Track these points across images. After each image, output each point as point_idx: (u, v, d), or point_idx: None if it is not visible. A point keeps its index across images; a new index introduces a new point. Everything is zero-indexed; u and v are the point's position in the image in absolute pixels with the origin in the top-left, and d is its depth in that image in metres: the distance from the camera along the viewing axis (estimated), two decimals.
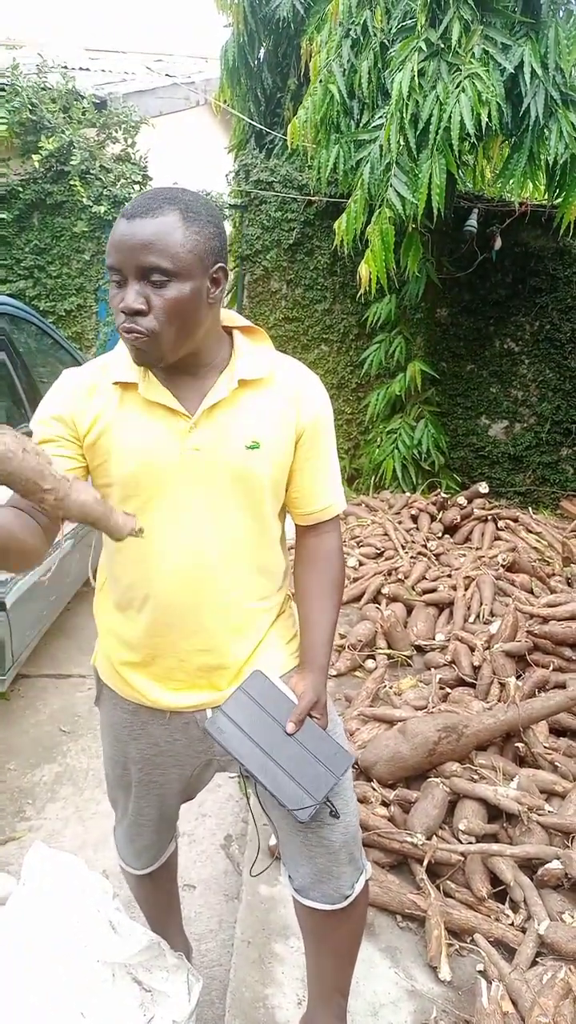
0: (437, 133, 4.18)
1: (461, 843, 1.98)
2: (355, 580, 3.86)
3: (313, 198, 5.81)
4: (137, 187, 5.99)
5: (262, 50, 6.65)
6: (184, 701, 1.31)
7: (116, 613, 1.33)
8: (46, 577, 2.77)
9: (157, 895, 1.75)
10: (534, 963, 1.71)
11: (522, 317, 6.07)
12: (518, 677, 2.72)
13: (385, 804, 2.13)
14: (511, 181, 4.85)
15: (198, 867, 2.21)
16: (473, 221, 5.65)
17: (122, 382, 1.20)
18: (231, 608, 1.27)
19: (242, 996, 1.65)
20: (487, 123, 4.10)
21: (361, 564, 4.09)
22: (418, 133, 4.28)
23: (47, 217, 5.91)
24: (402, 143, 4.31)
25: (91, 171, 5.78)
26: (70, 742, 2.80)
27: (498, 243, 5.63)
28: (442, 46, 4.18)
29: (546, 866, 1.88)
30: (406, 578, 3.84)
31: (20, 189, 5.82)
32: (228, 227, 6.18)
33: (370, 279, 4.62)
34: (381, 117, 4.59)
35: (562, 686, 2.68)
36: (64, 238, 5.93)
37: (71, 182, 5.72)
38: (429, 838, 1.97)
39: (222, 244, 1.16)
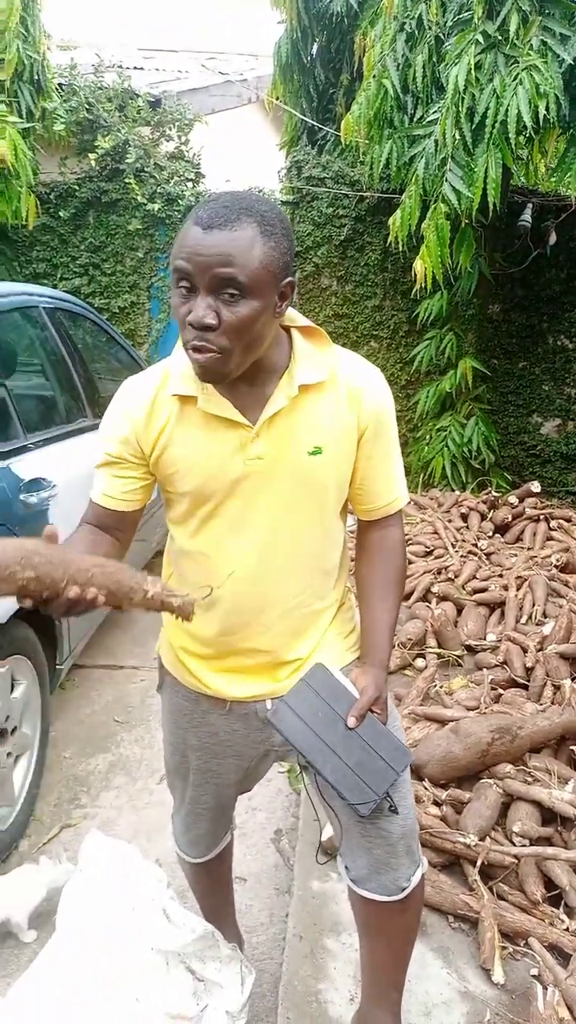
0: (493, 127, 4.13)
1: (515, 845, 1.96)
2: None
3: (365, 194, 5.78)
4: (190, 184, 6.04)
5: (315, 46, 6.63)
6: (245, 691, 1.34)
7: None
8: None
9: (212, 885, 1.78)
10: None
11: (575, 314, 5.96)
12: (573, 679, 2.68)
13: (437, 804, 2.12)
14: (567, 175, 4.76)
15: (248, 860, 2.23)
16: (527, 216, 5.56)
17: (181, 395, 1.20)
18: (296, 611, 1.29)
19: (295, 990, 1.66)
20: (545, 116, 4.03)
21: (410, 562, 4.06)
22: (474, 127, 4.23)
23: (102, 215, 6.00)
24: (458, 137, 4.27)
25: (145, 169, 5.85)
26: (123, 732, 2.84)
27: (553, 238, 5.53)
28: (499, 38, 4.12)
29: None
30: (456, 577, 3.80)
31: (76, 188, 5.92)
32: None
33: (425, 275, 4.58)
34: (436, 111, 4.54)
35: None
36: (118, 236, 6.01)
37: (126, 180, 5.79)
38: (482, 839, 1.95)
39: (292, 257, 1.15)
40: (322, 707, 1.24)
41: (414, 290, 4.99)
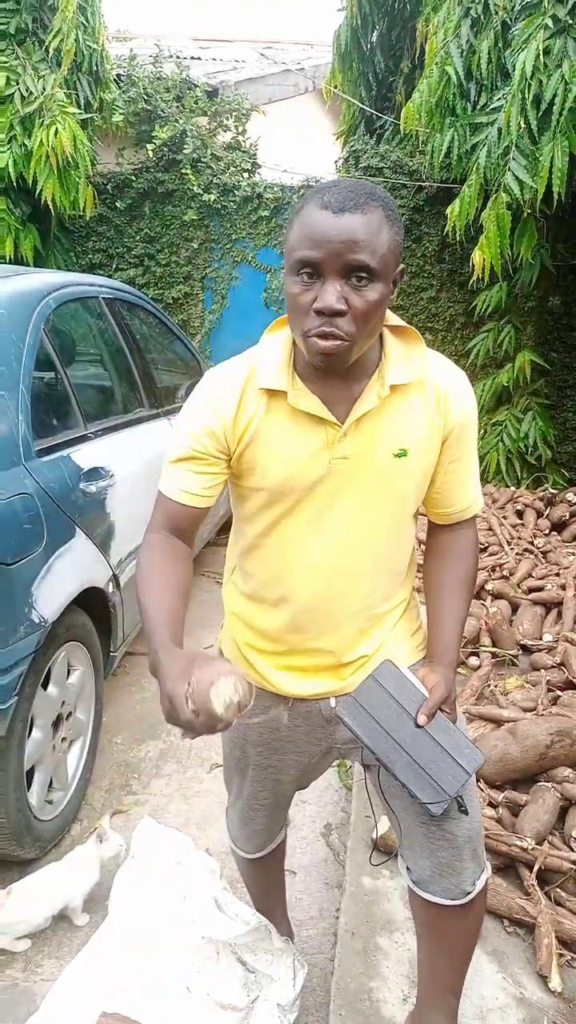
0: (561, 114, 4.01)
1: (573, 851, 1.91)
2: None
3: (424, 183, 5.69)
4: (246, 175, 6.03)
5: (375, 33, 6.54)
6: (308, 689, 1.32)
7: (248, 603, 1.34)
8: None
9: (266, 879, 1.77)
10: None
11: None
12: None
13: (492, 805, 2.08)
14: None
15: (299, 854, 2.22)
16: None
17: (270, 388, 1.17)
18: (365, 611, 1.28)
19: (347, 987, 1.64)
20: None
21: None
22: (540, 115, 4.12)
23: (157, 206, 6.03)
24: (523, 125, 4.16)
25: (202, 159, 5.85)
26: None
27: None
28: (570, 22, 4.00)
29: None
30: (511, 575, 3.73)
31: (133, 178, 5.96)
32: None
33: (484, 266, 4.49)
34: (500, 99, 4.44)
35: None
36: (173, 227, 6.03)
37: (183, 170, 5.81)
38: (539, 843, 1.91)
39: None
40: (391, 704, 1.22)
41: (471, 281, 4.89)
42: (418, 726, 1.21)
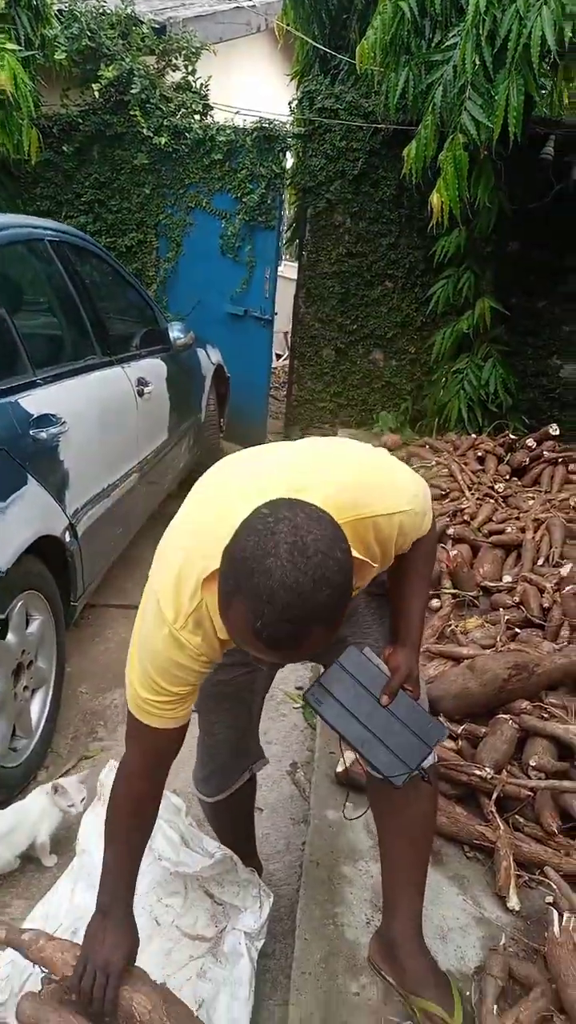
0: (516, 51, 3.94)
1: (531, 779, 1.96)
2: None
3: (380, 126, 5.57)
4: (198, 117, 5.83)
5: None
6: None
7: None
8: None
9: (231, 822, 1.81)
10: None
11: None
12: None
13: (453, 738, 2.12)
14: None
15: (264, 791, 2.25)
16: (550, 149, 5.35)
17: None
18: None
19: (312, 914, 1.68)
20: (570, 39, 3.84)
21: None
22: (495, 52, 4.04)
23: (107, 149, 5.81)
24: (477, 63, 4.08)
25: (151, 100, 5.64)
26: None
27: None
28: None
29: None
30: (472, 520, 3.77)
31: (80, 121, 5.73)
32: (290, 158, 6.00)
33: (443, 209, 4.43)
34: (455, 36, 4.34)
35: None
36: (124, 171, 5.84)
37: (131, 112, 5.59)
38: (498, 772, 1.96)
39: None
40: (357, 687, 1.29)
41: (430, 226, 4.83)
42: (382, 706, 1.29)
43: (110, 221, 5.95)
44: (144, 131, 5.63)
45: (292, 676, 2.75)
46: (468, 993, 1.52)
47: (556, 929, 1.53)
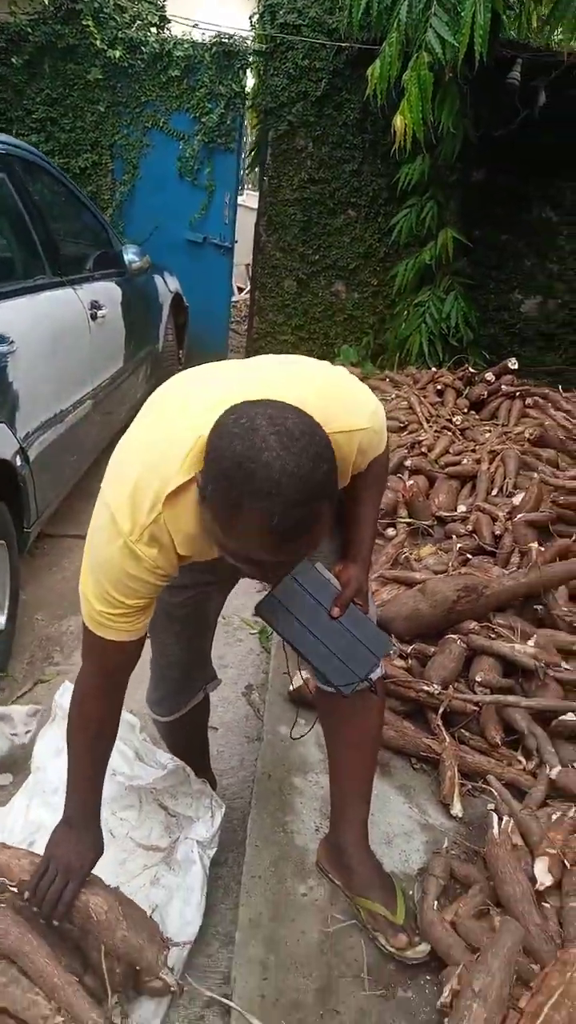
0: None
1: (477, 694, 2.02)
2: None
3: (344, 44, 5.37)
4: (154, 30, 5.56)
5: None
6: None
7: None
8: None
9: (186, 739, 1.84)
10: (544, 805, 1.77)
11: (563, 183, 5.71)
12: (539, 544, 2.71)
13: (403, 657, 2.17)
14: (560, 27, 4.45)
15: (220, 712, 2.29)
16: (516, 73, 5.20)
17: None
18: None
19: (263, 822, 1.74)
20: None
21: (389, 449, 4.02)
22: None
23: (58, 63, 5.53)
24: None
25: (104, 10, 5.35)
26: None
27: (542, 98, 5.21)
28: None
29: (560, 718, 1.93)
30: (429, 451, 3.79)
31: (29, 31, 5.42)
32: (251, 77, 5.78)
33: (406, 132, 4.32)
34: None
35: None
36: (77, 87, 5.57)
37: (83, 22, 5.31)
38: (445, 688, 2.02)
39: None
40: (308, 600, 1.31)
41: (393, 150, 4.71)
42: (332, 618, 1.31)
43: (63, 141, 5.70)
44: (97, 43, 5.36)
45: (249, 603, 2.78)
46: (411, 892, 1.59)
47: (495, 831, 1.60)
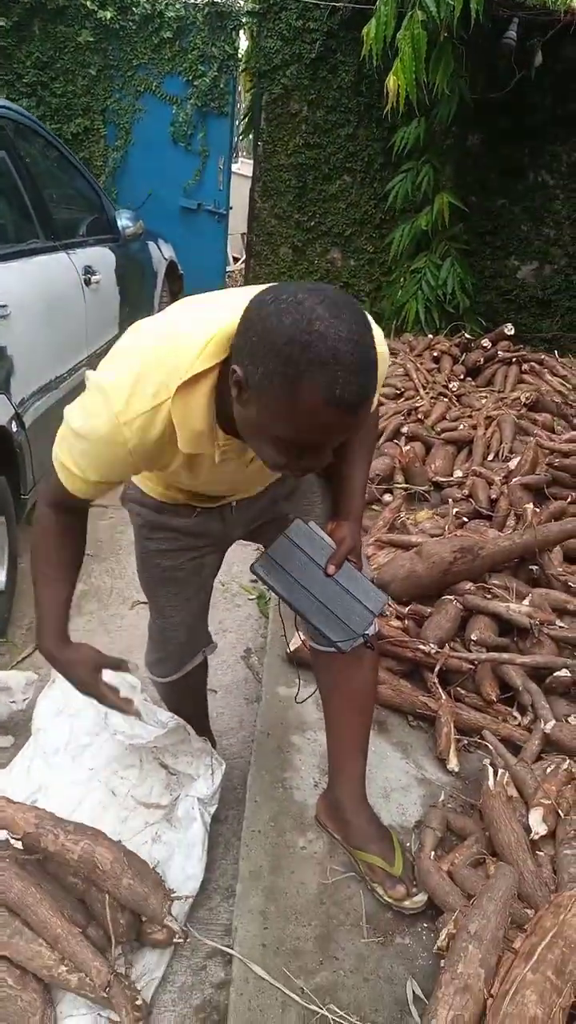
0: None
1: (472, 653, 2.05)
2: None
3: (338, 3, 5.27)
4: None
5: None
6: (212, 502, 1.43)
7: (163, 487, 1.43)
8: None
9: (180, 700, 1.85)
10: (539, 759, 1.80)
11: (559, 146, 5.64)
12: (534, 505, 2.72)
13: (400, 618, 2.19)
14: None
15: (219, 675, 2.31)
16: (512, 33, 5.10)
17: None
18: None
19: (262, 779, 1.76)
20: None
21: (380, 404, 4.01)
22: None
23: (48, 25, 5.43)
24: None
25: None
26: (94, 564, 2.87)
27: (539, 59, 5.13)
28: None
29: (555, 675, 1.95)
30: (426, 418, 3.79)
31: None
32: (244, 39, 5.68)
33: (399, 93, 4.26)
34: None
35: None
36: (68, 50, 5.47)
37: None
38: (441, 647, 2.04)
39: None
40: (303, 558, 1.33)
41: (385, 112, 4.64)
42: (327, 575, 1.32)
43: (54, 105, 5.62)
44: (88, 4, 5.26)
45: (248, 570, 2.79)
46: (408, 844, 1.62)
47: (491, 782, 1.63)
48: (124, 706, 1.40)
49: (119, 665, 1.40)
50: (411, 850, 1.61)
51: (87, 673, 1.38)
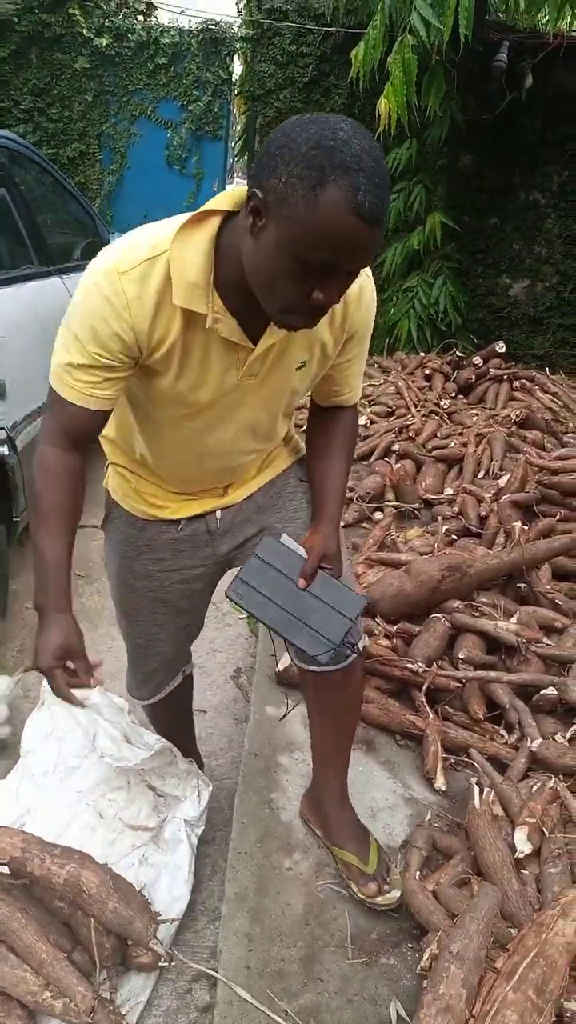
0: None
1: (460, 671, 2.05)
2: (365, 438, 3.84)
3: (330, 28, 5.36)
4: (141, 18, 5.55)
5: None
6: (195, 510, 1.41)
7: (139, 465, 1.42)
8: None
9: (167, 722, 1.86)
10: (525, 777, 1.80)
11: (550, 166, 5.71)
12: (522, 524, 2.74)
13: (388, 637, 2.20)
14: (545, 7, 4.44)
15: (208, 695, 2.32)
16: (503, 55, 5.20)
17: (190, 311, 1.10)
18: (249, 460, 1.40)
19: (249, 799, 1.76)
20: None
21: (372, 423, 4.05)
22: None
23: (45, 53, 5.52)
24: None
25: None
26: (85, 585, 2.89)
27: (529, 80, 5.22)
28: None
29: (541, 692, 1.96)
30: (417, 436, 3.81)
31: (15, 20, 5.41)
32: (238, 64, 5.76)
33: (390, 116, 4.32)
34: None
35: None
36: (64, 76, 5.56)
37: (70, 11, 5.31)
38: (429, 666, 2.04)
39: None
40: (274, 574, 1.32)
41: (377, 134, 4.70)
42: (300, 589, 1.31)
43: (51, 131, 5.70)
44: (84, 32, 5.36)
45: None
46: (395, 864, 1.62)
47: (476, 801, 1.63)
48: (71, 698, 1.34)
49: (86, 673, 1.34)
50: (397, 864, 1.61)
51: (56, 649, 1.29)
